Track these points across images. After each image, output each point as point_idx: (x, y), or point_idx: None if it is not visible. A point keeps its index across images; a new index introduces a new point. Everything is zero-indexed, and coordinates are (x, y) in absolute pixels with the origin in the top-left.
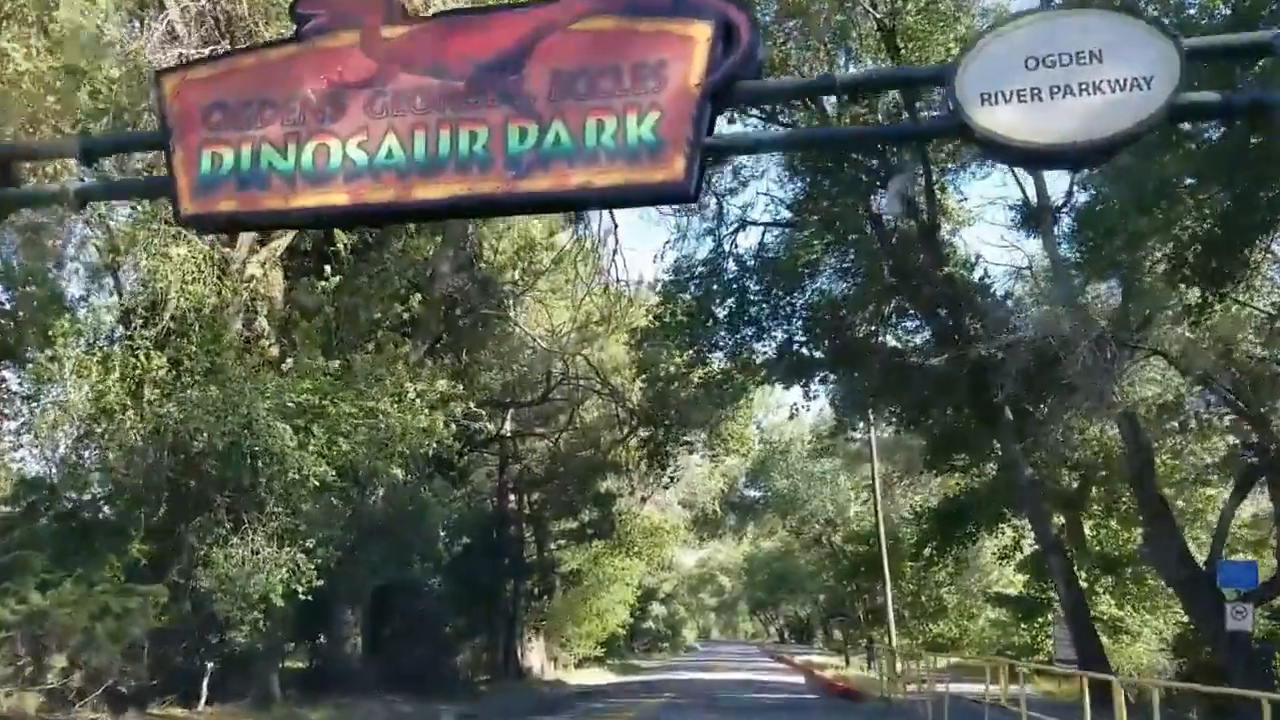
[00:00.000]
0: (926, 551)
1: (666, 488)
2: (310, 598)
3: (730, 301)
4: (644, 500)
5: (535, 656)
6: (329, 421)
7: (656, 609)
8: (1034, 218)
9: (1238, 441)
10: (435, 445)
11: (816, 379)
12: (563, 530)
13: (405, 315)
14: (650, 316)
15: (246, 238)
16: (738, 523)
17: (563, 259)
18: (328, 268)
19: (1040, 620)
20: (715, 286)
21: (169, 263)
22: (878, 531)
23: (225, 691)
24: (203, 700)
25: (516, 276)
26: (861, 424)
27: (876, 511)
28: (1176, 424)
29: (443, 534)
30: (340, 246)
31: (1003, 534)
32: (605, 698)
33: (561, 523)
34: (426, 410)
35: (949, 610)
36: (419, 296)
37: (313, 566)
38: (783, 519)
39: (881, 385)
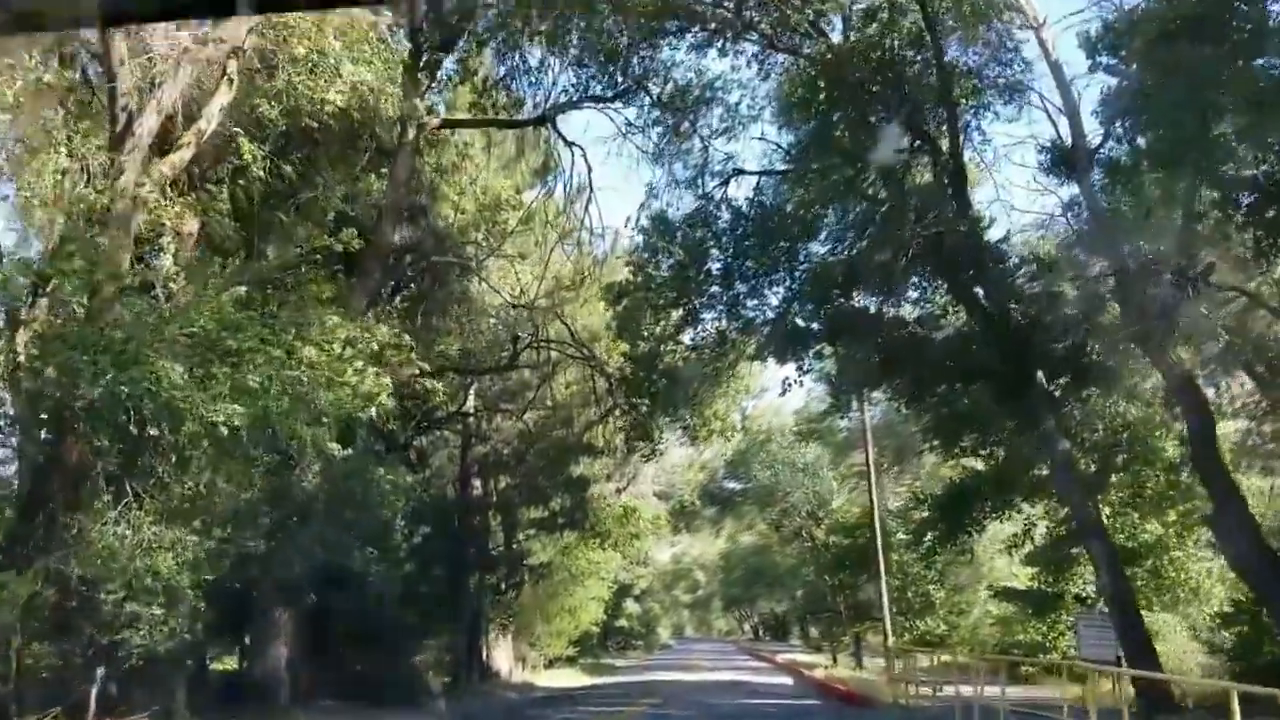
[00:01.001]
0: (928, 540)
1: (649, 460)
2: (199, 590)
3: (725, 253)
4: (620, 491)
5: (502, 657)
6: (234, 360)
7: (631, 606)
8: (1067, 161)
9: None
10: (375, 410)
11: (812, 352)
12: (532, 519)
13: (340, 250)
14: (631, 268)
15: (136, 146)
16: (716, 515)
17: (531, 217)
18: (241, 181)
19: (1051, 616)
20: (704, 234)
21: (34, 160)
22: (872, 518)
23: (125, 703)
24: (90, 714)
25: (480, 238)
26: (857, 402)
27: (871, 497)
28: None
29: (400, 521)
30: (250, 157)
31: (1012, 521)
32: (576, 705)
33: (531, 511)
34: (360, 364)
35: (937, 606)
36: (354, 231)
37: (204, 551)
38: (762, 511)
39: (885, 358)
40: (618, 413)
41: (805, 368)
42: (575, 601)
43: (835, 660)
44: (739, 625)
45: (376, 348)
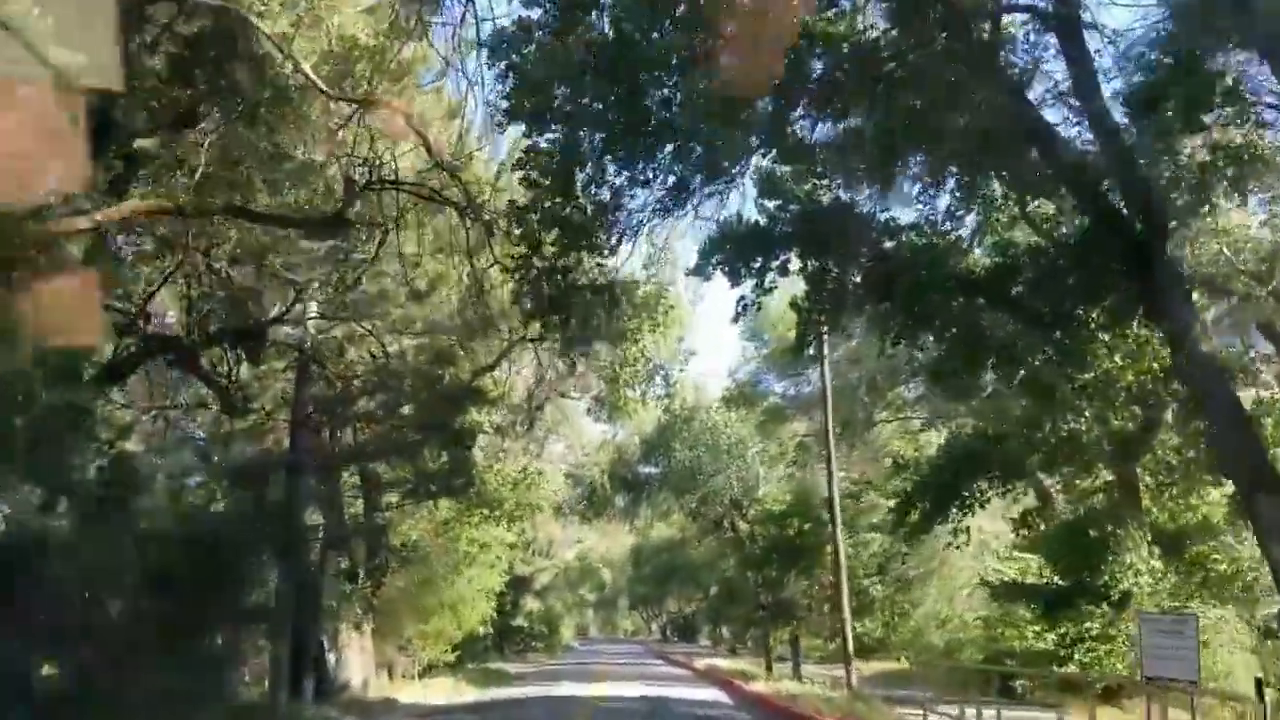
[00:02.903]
0: (913, 518)
1: (569, 358)
2: None
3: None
4: (525, 470)
5: (356, 664)
6: None
7: (530, 603)
8: None
9: None
10: None
11: (777, 263)
12: (397, 478)
13: None
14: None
15: None
16: (629, 504)
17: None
18: None
19: (1073, 620)
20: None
21: None
22: (829, 490)
23: None
24: None
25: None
26: (828, 334)
27: (829, 459)
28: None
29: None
30: None
31: (1022, 494)
32: None
33: (397, 471)
34: None
35: (875, 605)
36: None
37: None
38: (679, 499)
39: (886, 267)
40: (513, 276)
41: (766, 284)
42: (457, 594)
43: (770, 669)
44: (646, 625)
45: None
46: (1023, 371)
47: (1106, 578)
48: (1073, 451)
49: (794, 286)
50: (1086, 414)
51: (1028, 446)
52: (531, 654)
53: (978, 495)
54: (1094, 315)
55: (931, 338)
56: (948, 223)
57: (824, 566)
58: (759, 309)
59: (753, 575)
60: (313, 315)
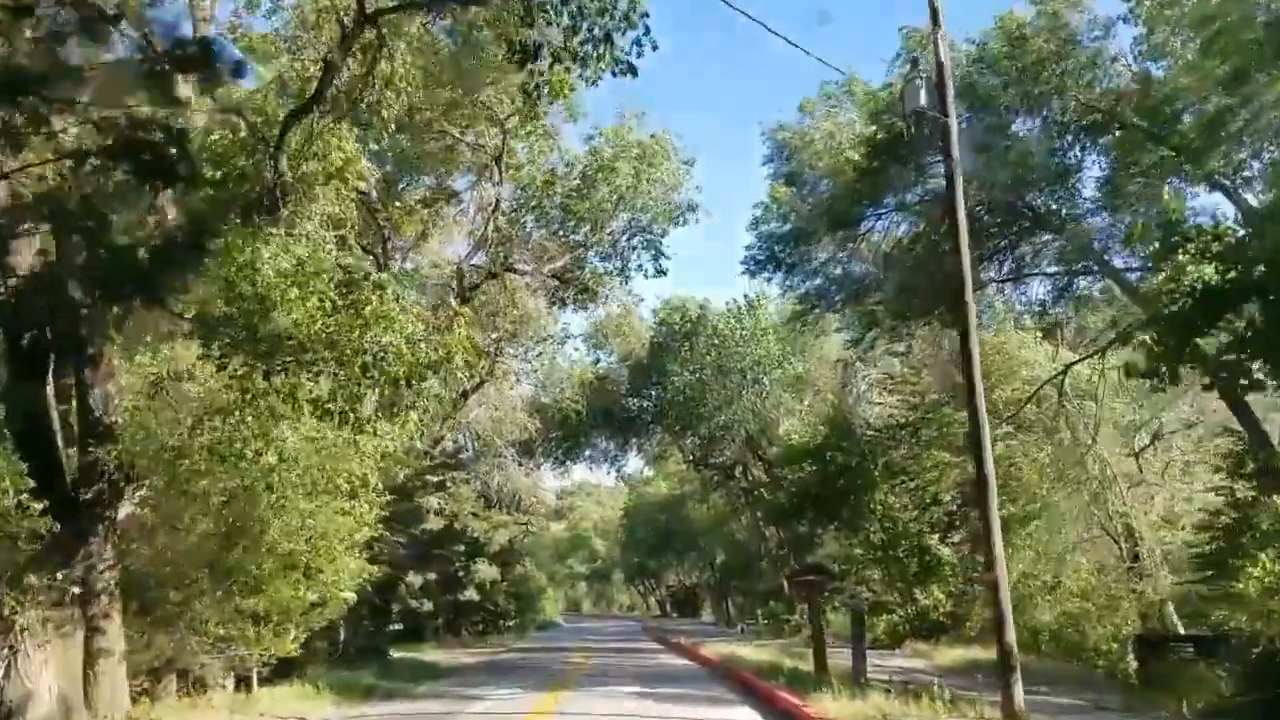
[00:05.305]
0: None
1: None
2: None
3: None
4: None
5: (49, 673)
6: None
7: (482, 571)
8: None
9: None
10: None
11: None
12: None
13: None
14: None
15: None
16: (617, 448)
17: None
18: None
19: None
20: None
21: None
22: (965, 347)
23: None
24: None
25: None
26: None
27: (955, 219)
28: None
29: None
30: None
31: None
32: None
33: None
34: None
35: (944, 568)
36: None
37: None
38: (678, 439)
39: None
40: None
41: None
42: (292, 549)
43: (823, 663)
44: (644, 599)
45: None
46: None
47: None
48: None
49: None
50: None
51: None
52: (496, 635)
53: None
54: None
55: None
56: None
57: (874, 514)
58: None
59: (773, 534)
60: None
